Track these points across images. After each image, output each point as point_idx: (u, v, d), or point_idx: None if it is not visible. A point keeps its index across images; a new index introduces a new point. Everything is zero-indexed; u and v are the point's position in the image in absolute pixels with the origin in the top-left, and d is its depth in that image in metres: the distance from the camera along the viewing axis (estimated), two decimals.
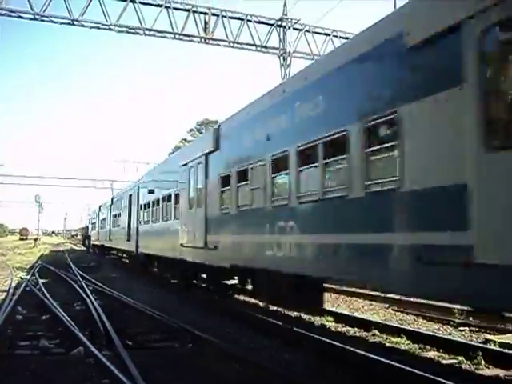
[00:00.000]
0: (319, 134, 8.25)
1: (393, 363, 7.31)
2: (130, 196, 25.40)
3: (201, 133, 71.12)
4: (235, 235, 11.81)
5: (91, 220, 57.74)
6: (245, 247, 11.34)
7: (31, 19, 21.70)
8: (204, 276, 15.62)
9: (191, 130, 75.44)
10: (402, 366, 7.08)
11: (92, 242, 52.47)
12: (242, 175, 11.24)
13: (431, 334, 9.79)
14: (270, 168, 9.92)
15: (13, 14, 21.45)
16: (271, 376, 7.08)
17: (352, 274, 7.81)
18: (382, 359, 7.49)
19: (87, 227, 65.36)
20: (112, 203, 35.16)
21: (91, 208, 65.62)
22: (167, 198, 17.80)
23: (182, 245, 15.28)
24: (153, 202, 20.16)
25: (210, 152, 13.33)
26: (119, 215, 30.71)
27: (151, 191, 20.22)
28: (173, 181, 17.06)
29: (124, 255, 32.05)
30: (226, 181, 12.18)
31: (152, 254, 20.20)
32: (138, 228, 22.95)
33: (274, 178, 9.89)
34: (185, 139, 71.99)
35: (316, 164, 8.38)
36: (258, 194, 10.44)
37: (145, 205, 21.80)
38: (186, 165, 15.25)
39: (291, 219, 9.09)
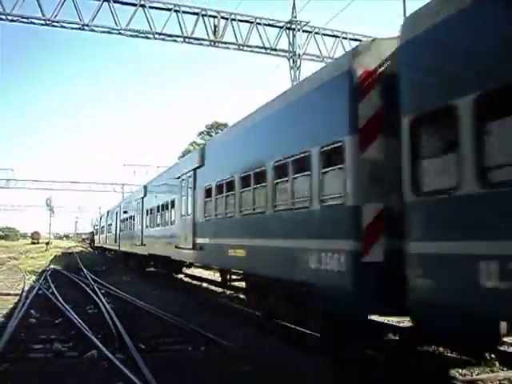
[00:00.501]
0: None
1: None
2: (137, 203, 27.64)
3: (210, 135, 71.29)
4: (215, 238, 13.68)
5: (95, 226, 68.19)
6: (220, 249, 12.97)
7: (42, 25, 21.90)
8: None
9: (201, 133, 75.47)
10: None
11: (96, 245, 60.18)
12: (220, 188, 13.11)
13: None
14: (239, 183, 11.72)
15: (25, 20, 21.63)
16: (284, 378, 7.07)
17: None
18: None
19: (93, 232, 74.92)
20: (118, 211, 37.85)
21: (102, 211, 66.30)
22: (165, 207, 20.35)
23: (176, 246, 17.29)
24: (155, 208, 22.55)
25: (197, 167, 15.27)
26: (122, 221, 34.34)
27: (125, 212, 28.01)
28: (168, 191, 19.71)
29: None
30: (208, 192, 14.10)
31: (154, 253, 22.44)
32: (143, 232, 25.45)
33: (241, 192, 11.65)
34: (194, 142, 72.11)
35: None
36: (230, 204, 12.38)
37: (149, 211, 24.29)
38: (179, 177, 17.30)
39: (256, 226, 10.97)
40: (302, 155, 8.59)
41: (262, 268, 10.48)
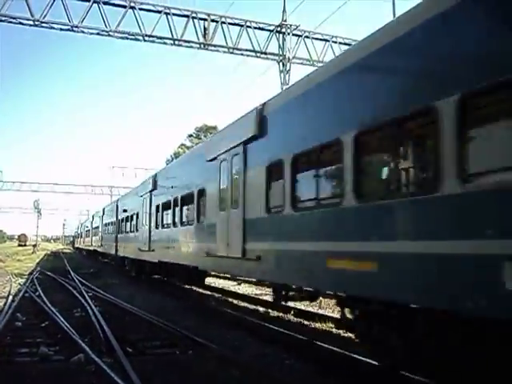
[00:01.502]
0: None
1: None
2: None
3: (199, 138, 71.14)
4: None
5: (76, 231, 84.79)
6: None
7: (31, 25, 21.73)
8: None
9: (190, 136, 75.41)
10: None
11: (76, 245, 79.35)
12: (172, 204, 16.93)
13: None
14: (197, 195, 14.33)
15: (14, 21, 21.47)
16: (272, 382, 7.06)
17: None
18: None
19: (74, 236, 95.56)
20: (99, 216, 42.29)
21: (91, 213, 66.15)
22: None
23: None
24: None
25: (152, 191, 20.30)
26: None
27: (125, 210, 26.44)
28: (138, 204, 22.73)
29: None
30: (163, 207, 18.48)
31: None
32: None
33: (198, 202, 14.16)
34: (183, 145, 72.02)
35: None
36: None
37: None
38: (142, 196, 21.92)
39: None
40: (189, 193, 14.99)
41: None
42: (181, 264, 15.89)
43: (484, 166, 5.17)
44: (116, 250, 29.54)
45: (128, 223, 25.99)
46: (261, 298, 16.60)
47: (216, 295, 18.67)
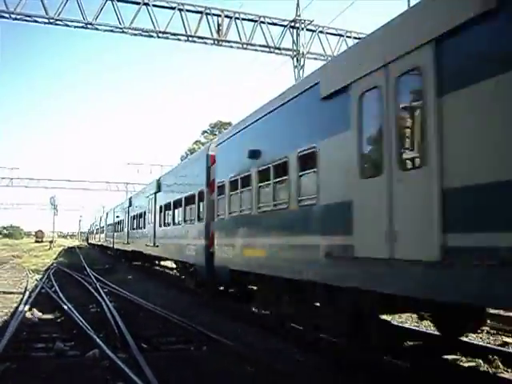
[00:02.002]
0: None
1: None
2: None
3: (214, 134, 71.19)
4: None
5: (90, 228, 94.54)
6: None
7: (46, 23, 21.86)
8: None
9: (204, 132, 75.45)
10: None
11: (90, 241, 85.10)
12: (170, 206, 19.55)
13: None
14: (184, 202, 17.26)
15: (28, 19, 21.61)
16: (285, 378, 7.03)
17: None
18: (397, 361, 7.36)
19: (87, 232, 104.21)
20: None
21: (107, 209, 66.85)
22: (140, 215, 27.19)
23: (146, 244, 23.71)
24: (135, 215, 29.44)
25: (156, 192, 22.45)
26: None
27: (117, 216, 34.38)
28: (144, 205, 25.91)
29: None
30: (165, 208, 20.55)
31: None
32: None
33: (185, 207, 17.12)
34: (198, 141, 72.07)
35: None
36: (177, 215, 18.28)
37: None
38: (147, 197, 24.53)
39: None
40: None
41: None
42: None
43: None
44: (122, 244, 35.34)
45: (136, 221, 29.54)
46: None
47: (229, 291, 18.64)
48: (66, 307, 13.09)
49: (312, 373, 7.39)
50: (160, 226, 21.47)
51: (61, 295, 15.56)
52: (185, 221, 17.31)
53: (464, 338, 9.32)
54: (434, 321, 9.07)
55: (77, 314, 11.81)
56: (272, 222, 10.09)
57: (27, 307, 13.07)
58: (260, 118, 10.88)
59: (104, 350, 8.23)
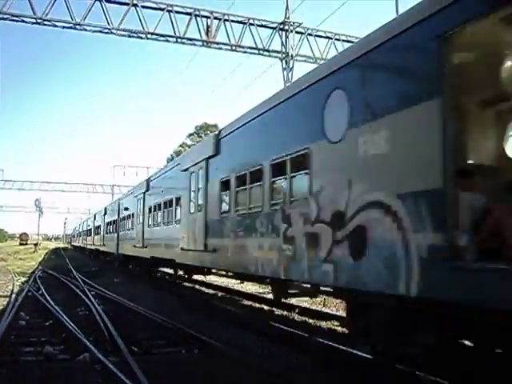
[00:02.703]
0: None
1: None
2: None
3: (200, 136, 71.06)
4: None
5: (73, 232, 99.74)
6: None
7: (33, 23, 21.64)
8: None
9: (190, 135, 75.24)
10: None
11: (73, 243, 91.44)
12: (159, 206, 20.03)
13: None
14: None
15: (16, 19, 21.37)
16: (277, 379, 7.02)
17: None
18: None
19: (71, 235, 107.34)
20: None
21: (91, 212, 66.47)
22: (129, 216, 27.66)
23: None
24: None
25: (145, 192, 23.03)
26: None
27: (126, 208, 28.72)
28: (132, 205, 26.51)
29: None
30: (153, 209, 21.18)
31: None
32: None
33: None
34: (185, 143, 71.88)
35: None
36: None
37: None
38: (137, 196, 25.03)
39: None
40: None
41: None
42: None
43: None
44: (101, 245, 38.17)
45: (124, 222, 29.53)
46: (265, 296, 16.51)
47: (220, 294, 18.63)
48: (53, 310, 12.92)
49: (304, 374, 7.38)
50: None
51: (48, 298, 15.35)
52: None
53: None
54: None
55: (65, 317, 11.64)
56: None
57: (14, 310, 12.87)
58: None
59: (95, 353, 8.13)
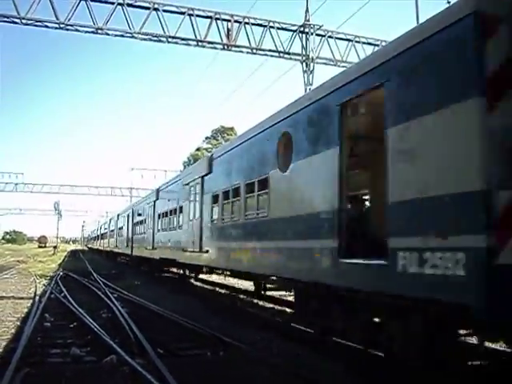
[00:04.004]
0: None
1: None
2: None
3: (217, 140, 71.29)
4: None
5: (89, 235, 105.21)
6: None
7: (56, 28, 21.85)
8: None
9: (207, 138, 75.41)
10: None
11: (90, 246, 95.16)
12: (166, 214, 22.77)
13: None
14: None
15: (39, 24, 21.62)
16: (305, 382, 7.00)
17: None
18: None
19: (88, 238, 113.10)
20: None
21: (109, 215, 67.05)
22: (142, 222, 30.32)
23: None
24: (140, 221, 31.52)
25: (155, 200, 25.73)
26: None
27: (140, 214, 31.53)
28: (144, 214, 29.42)
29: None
30: (162, 216, 23.78)
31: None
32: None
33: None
34: (202, 147, 72.06)
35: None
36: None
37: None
38: (148, 204, 27.76)
39: None
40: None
41: None
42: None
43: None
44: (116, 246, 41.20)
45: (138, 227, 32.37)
46: (286, 298, 16.45)
47: (241, 296, 18.61)
48: (77, 312, 13.01)
49: (333, 378, 7.31)
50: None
51: (71, 300, 15.46)
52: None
53: None
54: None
55: (89, 320, 11.71)
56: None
57: (39, 312, 12.98)
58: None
59: (122, 355, 8.13)
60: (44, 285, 22.30)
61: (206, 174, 15.95)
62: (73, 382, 7.05)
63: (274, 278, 11.68)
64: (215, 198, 14.96)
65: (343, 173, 8.13)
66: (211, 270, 18.08)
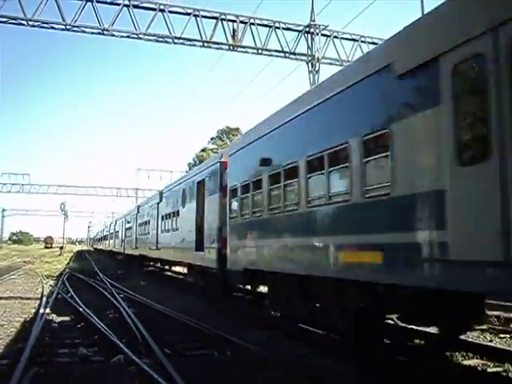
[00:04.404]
0: None
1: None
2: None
3: (222, 140, 71.27)
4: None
5: (95, 236, 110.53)
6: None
7: (63, 30, 21.92)
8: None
9: (212, 139, 75.38)
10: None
11: (95, 246, 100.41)
12: (169, 216, 24.61)
13: (471, 341, 9.52)
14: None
15: (45, 25, 21.69)
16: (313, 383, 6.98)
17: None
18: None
19: (93, 239, 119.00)
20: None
21: (115, 216, 67.21)
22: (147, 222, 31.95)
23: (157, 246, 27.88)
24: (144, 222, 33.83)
25: (159, 202, 27.80)
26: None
27: (128, 222, 39.03)
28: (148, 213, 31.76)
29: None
30: (165, 217, 25.56)
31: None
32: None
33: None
34: (207, 148, 72.08)
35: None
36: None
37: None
38: (151, 206, 30.58)
39: None
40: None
41: None
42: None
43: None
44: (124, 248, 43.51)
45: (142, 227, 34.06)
46: None
47: (246, 296, 18.60)
48: (84, 313, 13.06)
49: (339, 377, 7.32)
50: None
51: (78, 301, 15.53)
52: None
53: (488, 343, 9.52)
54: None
55: (96, 320, 11.77)
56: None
57: (46, 312, 13.04)
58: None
59: (129, 355, 8.16)
60: (51, 285, 22.41)
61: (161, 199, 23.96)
62: (81, 382, 7.09)
63: None
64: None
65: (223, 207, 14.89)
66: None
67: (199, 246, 17.70)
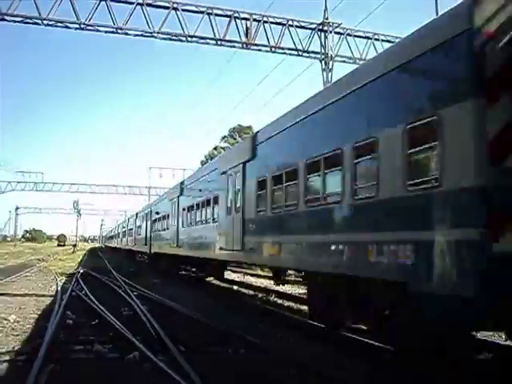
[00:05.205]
0: None
1: None
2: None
3: (234, 139, 71.20)
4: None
5: (107, 235, 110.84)
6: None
7: (77, 28, 22.08)
8: None
9: (224, 137, 75.31)
10: None
11: (107, 244, 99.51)
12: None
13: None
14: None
15: (60, 25, 21.87)
16: (329, 381, 6.97)
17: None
18: None
19: (104, 237, 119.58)
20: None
21: (128, 214, 67.56)
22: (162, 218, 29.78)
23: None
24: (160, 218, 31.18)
25: (179, 196, 24.63)
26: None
27: (157, 212, 31.78)
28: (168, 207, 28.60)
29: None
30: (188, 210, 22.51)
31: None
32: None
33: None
34: (219, 146, 72.05)
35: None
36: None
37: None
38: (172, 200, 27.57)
39: None
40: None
41: None
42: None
43: None
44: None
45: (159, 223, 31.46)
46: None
47: (260, 294, 18.62)
48: (98, 310, 13.12)
49: (356, 377, 7.28)
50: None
51: (92, 298, 15.58)
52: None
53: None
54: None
55: (111, 317, 11.79)
56: None
57: (61, 310, 13.11)
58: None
59: (144, 352, 8.18)
60: (65, 282, 22.50)
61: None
62: (97, 378, 7.12)
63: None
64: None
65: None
66: None
67: None
